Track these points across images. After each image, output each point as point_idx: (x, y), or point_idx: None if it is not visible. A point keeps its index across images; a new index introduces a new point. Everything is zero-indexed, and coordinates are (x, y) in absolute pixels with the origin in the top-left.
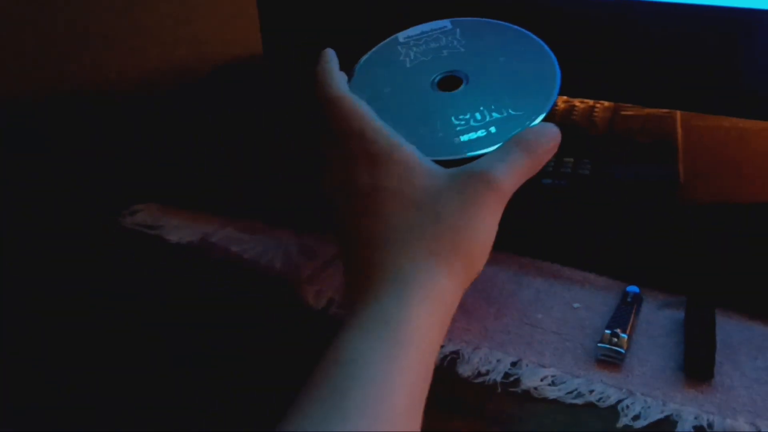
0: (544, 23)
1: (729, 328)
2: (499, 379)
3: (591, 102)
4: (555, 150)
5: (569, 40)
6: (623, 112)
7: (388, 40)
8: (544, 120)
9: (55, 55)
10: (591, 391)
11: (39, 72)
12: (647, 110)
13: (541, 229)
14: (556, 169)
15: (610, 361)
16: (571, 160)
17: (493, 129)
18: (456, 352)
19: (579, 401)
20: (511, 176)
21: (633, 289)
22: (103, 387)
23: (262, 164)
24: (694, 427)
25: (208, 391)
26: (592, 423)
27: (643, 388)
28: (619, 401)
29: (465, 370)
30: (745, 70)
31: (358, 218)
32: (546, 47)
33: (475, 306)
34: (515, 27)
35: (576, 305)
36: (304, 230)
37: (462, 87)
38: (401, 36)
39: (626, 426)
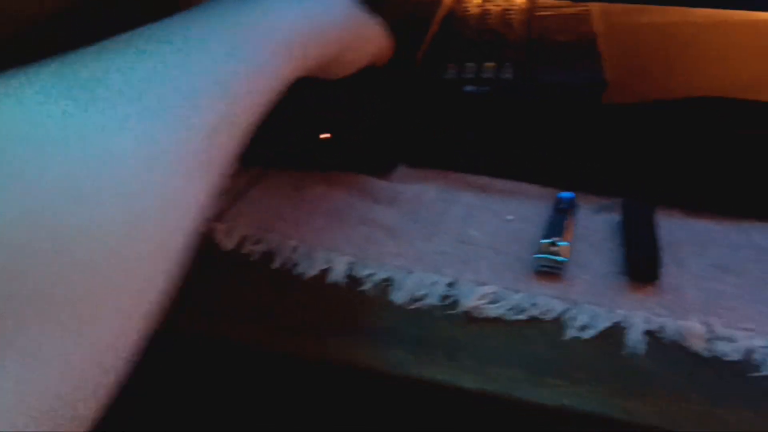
0: None
1: (670, 227)
2: (436, 302)
3: (504, 4)
4: None
5: None
6: (538, 13)
7: None
8: None
9: None
10: (533, 305)
11: None
12: (563, 9)
13: (467, 140)
14: (477, 76)
15: (550, 272)
16: (492, 64)
17: None
18: (387, 279)
19: (522, 317)
20: None
21: (566, 194)
22: None
23: None
24: (645, 332)
25: None
26: (538, 338)
27: (588, 297)
28: (564, 312)
29: (399, 297)
30: None
31: None
32: None
33: (403, 228)
34: None
35: (509, 217)
36: None
37: None
38: None
39: (574, 338)
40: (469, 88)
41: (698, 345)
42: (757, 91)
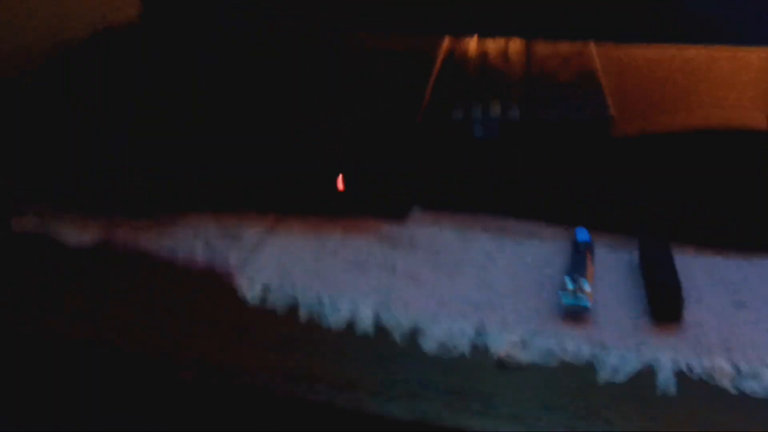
0: None
1: (684, 263)
2: (466, 351)
3: (503, 43)
4: None
5: None
6: (536, 51)
7: None
8: None
9: None
10: (563, 350)
11: None
12: (561, 48)
13: (480, 183)
14: (485, 117)
15: (576, 314)
16: (499, 105)
17: None
18: (415, 328)
19: (552, 362)
20: None
21: (582, 236)
22: None
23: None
24: (674, 373)
25: None
26: (571, 382)
27: (615, 339)
28: (594, 356)
29: (430, 346)
30: None
31: None
32: None
33: (424, 273)
34: None
35: (528, 259)
36: (222, 210)
37: None
38: None
39: (605, 380)
40: (479, 133)
41: (726, 383)
42: (757, 118)
